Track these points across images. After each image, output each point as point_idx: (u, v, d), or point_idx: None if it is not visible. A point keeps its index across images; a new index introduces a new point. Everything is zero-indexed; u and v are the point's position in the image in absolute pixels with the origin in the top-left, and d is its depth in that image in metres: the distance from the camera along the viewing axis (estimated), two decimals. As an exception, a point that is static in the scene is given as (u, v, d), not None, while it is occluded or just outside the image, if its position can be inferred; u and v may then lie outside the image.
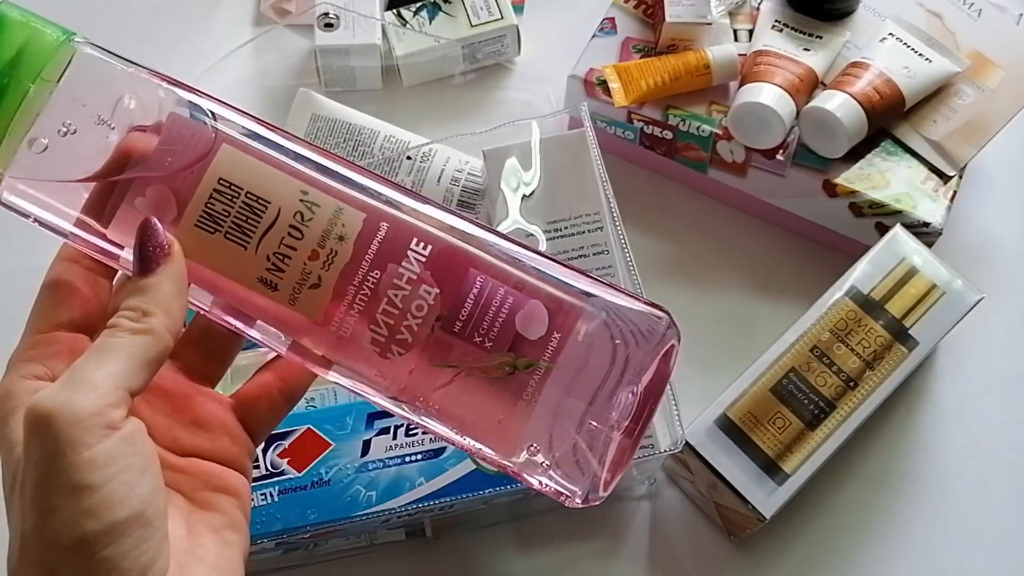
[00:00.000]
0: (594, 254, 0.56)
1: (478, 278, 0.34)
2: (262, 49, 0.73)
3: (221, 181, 0.33)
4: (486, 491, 0.50)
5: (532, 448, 0.35)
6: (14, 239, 0.66)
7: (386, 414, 0.52)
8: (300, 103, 0.67)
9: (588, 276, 0.36)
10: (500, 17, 0.70)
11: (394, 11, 0.70)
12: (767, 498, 0.51)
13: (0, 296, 0.64)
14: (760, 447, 0.52)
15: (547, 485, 0.36)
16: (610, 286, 0.36)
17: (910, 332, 0.54)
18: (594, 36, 0.67)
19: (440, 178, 0.63)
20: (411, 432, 0.51)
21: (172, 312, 0.32)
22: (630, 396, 0.35)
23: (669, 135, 0.64)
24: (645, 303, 0.36)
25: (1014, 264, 0.66)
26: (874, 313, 0.55)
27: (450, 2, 0.71)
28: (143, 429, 0.31)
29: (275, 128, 0.35)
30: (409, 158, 0.63)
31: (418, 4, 0.71)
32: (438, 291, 0.33)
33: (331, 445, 0.51)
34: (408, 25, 0.70)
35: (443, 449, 0.51)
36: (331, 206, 0.33)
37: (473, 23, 0.70)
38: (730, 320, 0.62)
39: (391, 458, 0.51)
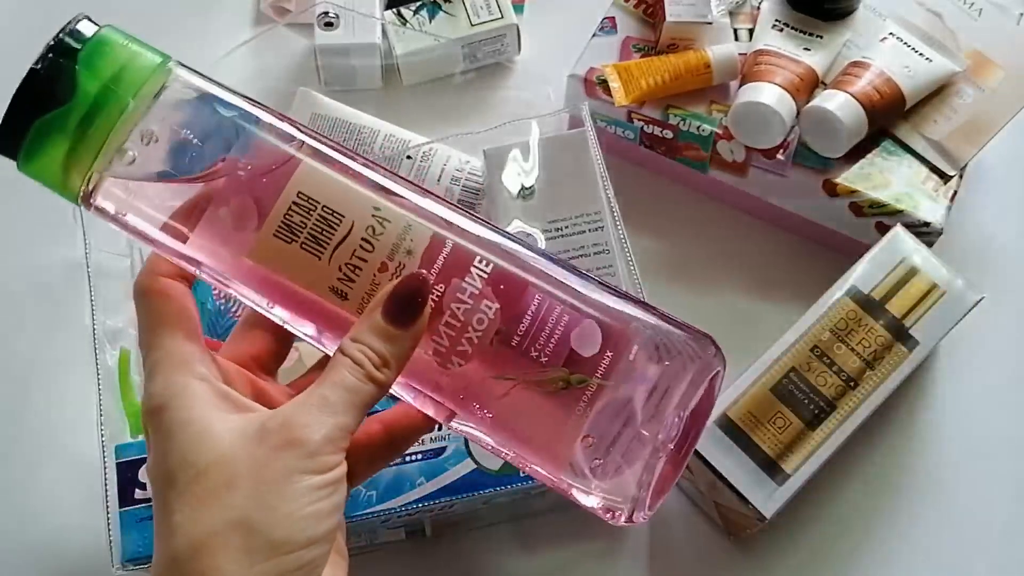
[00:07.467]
0: (594, 253, 0.56)
1: (536, 296, 0.35)
2: (262, 48, 0.73)
3: (300, 195, 0.35)
4: (486, 491, 0.50)
5: (582, 459, 0.36)
6: (14, 238, 0.66)
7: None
8: (300, 102, 0.67)
9: (638, 301, 0.38)
10: (500, 16, 0.70)
11: (394, 10, 0.70)
12: (767, 498, 0.51)
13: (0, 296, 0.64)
14: (760, 447, 0.52)
15: (592, 501, 0.37)
16: (658, 311, 0.37)
17: (910, 332, 0.54)
18: (594, 35, 0.67)
19: (440, 177, 0.63)
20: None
21: (401, 370, 0.35)
22: (676, 419, 0.36)
23: (669, 134, 0.64)
24: (692, 329, 0.37)
25: (1014, 264, 0.66)
26: (874, 313, 0.55)
27: (450, 1, 0.71)
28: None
29: (347, 150, 0.37)
30: (409, 157, 0.63)
31: (418, 3, 0.71)
32: (498, 306, 0.35)
33: (331, 445, 0.51)
34: (408, 24, 0.70)
35: (443, 449, 0.51)
36: (401, 221, 0.35)
37: (473, 22, 0.70)
38: (730, 320, 0.62)
39: (391, 458, 0.51)
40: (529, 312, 0.35)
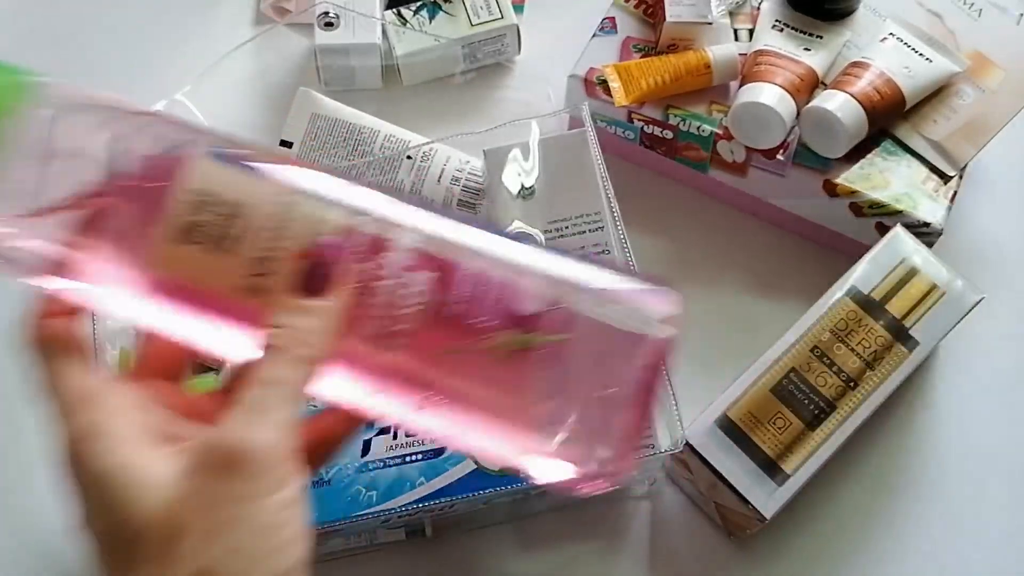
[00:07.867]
0: (595, 254, 0.56)
1: (467, 263, 0.34)
2: (262, 48, 0.73)
3: (189, 192, 0.32)
4: (486, 491, 0.50)
5: (544, 424, 0.34)
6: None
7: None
8: (300, 102, 0.67)
9: (583, 256, 0.36)
10: (500, 16, 0.70)
11: (394, 10, 0.70)
12: (767, 498, 0.51)
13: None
14: (760, 447, 0.52)
15: (564, 470, 0.35)
16: (607, 263, 0.36)
17: (910, 332, 0.54)
18: (594, 36, 0.67)
19: (440, 177, 0.63)
20: (411, 432, 0.51)
21: (328, 345, 0.32)
22: (632, 370, 0.34)
23: (669, 135, 0.64)
24: (644, 277, 0.36)
25: (1014, 264, 0.66)
26: (874, 313, 0.55)
27: (450, 1, 0.71)
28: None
29: (245, 145, 0.34)
30: (409, 158, 0.63)
31: (418, 3, 0.71)
32: (427, 277, 0.33)
33: (331, 445, 0.51)
34: (408, 24, 0.70)
35: (443, 449, 0.51)
36: (306, 207, 0.33)
37: (473, 22, 0.70)
38: (730, 320, 0.62)
39: (391, 458, 0.51)
40: (462, 280, 0.33)
